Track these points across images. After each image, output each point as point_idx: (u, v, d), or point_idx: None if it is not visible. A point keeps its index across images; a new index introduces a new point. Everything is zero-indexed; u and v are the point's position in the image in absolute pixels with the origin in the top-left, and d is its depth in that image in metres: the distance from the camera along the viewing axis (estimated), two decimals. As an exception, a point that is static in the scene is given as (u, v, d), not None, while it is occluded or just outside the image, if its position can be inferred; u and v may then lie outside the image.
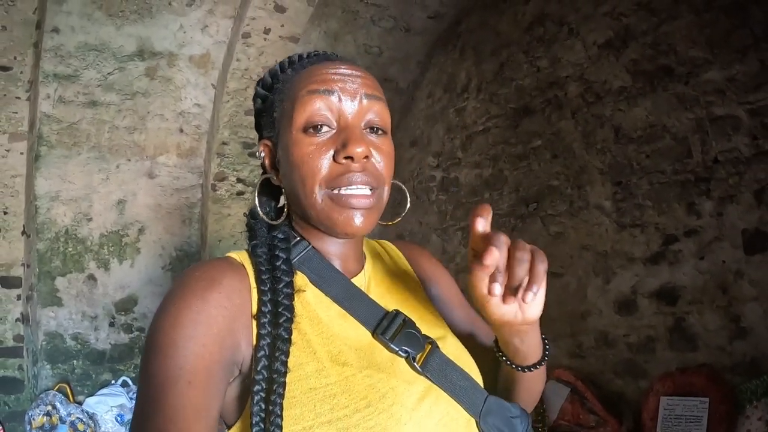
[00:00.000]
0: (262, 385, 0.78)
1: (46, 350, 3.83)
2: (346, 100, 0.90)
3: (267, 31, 3.95)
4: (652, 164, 3.38)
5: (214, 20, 4.01)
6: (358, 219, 0.88)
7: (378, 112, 0.92)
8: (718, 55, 3.07)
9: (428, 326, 0.97)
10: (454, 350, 0.96)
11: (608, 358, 3.53)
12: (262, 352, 0.80)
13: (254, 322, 0.83)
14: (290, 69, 0.99)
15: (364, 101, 0.92)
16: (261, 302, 0.84)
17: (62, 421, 3.41)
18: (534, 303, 0.81)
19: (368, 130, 0.91)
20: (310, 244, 0.96)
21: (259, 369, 0.79)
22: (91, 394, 3.80)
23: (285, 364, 0.79)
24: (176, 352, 0.76)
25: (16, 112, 3.56)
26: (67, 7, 3.53)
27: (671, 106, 3.27)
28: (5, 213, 3.64)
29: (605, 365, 3.53)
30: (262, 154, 0.99)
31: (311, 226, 0.95)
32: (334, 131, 0.90)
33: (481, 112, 4.46)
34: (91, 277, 4.05)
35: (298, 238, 0.97)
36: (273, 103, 0.97)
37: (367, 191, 0.89)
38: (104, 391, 3.80)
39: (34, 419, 3.40)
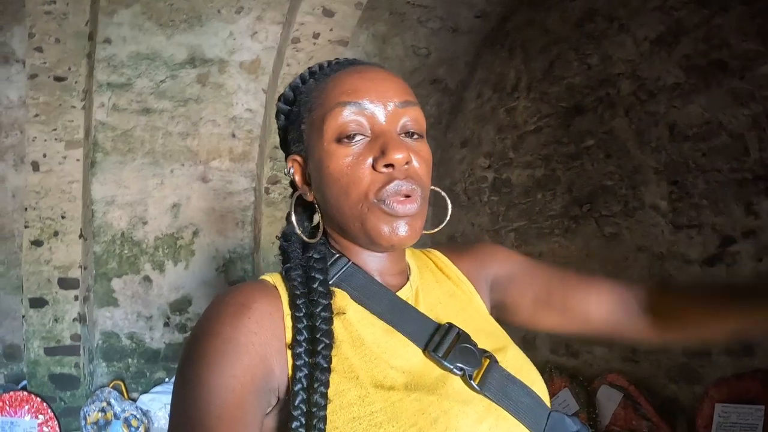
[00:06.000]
0: (300, 421, 0.73)
1: (102, 349, 3.98)
2: (377, 107, 0.87)
3: (316, 36, 3.98)
4: (708, 162, 3.25)
5: (263, 26, 4.07)
6: (403, 228, 0.85)
7: (412, 117, 0.89)
8: (773, 47, 2.93)
9: (486, 337, 0.92)
10: (515, 362, 0.91)
11: (662, 363, 3.41)
12: (300, 385, 0.75)
13: (289, 352, 0.79)
14: (312, 79, 0.95)
15: (398, 107, 0.88)
16: (296, 330, 0.79)
17: (116, 417, 3.54)
18: None
19: (404, 135, 0.88)
20: (350, 260, 0.92)
21: (296, 403, 0.74)
22: (145, 392, 3.93)
23: (325, 396, 0.74)
24: (204, 385, 0.72)
25: (72, 121, 3.68)
26: (118, 18, 3.65)
27: (726, 102, 3.14)
28: (63, 217, 3.78)
29: (659, 370, 3.42)
30: (292, 170, 0.95)
31: (350, 241, 0.92)
32: (368, 139, 0.86)
33: (532, 111, 4.38)
34: (147, 279, 4.18)
35: (337, 255, 0.93)
36: (298, 116, 0.94)
37: (411, 197, 0.85)
38: (158, 388, 3.93)
39: (89, 415, 3.54)
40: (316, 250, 0.90)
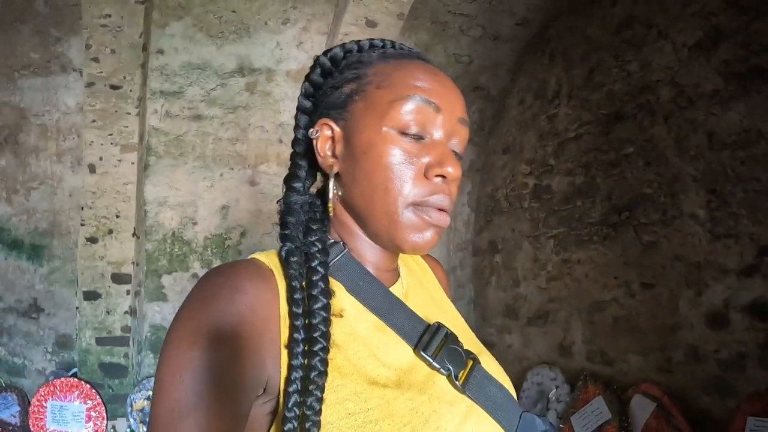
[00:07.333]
0: (293, 424, 0.71)
1: (150, 341, 4.15)
2: (445, 116, 0.85)
3: (360, 46, 4.08)
4: (747, 171, 3.19)
5: (308, 37, 4.20)
6: (429, 236, 0.84)
7: (463, 137, 0.88)
8: (811, 53, 2.87)
9: (466, 341, 0.91)
10: (492, 366, 0.92)
11: (697, 374, 3.36)
12: (294, 387, 0.72)
13: (283, 347, 0.76)
14: (373, 52, 0.90)
15: (459, 123, 0.87)
16: (293, 328, 0.75)
17: (161, 406, 3.69)
18: None
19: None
20: (345, 247, 0.89)
21: (290, 405, 0.72)
22: (190, 384, 4.07)
23: (320, 400, 0.72)
24: (190, 376, 0.70)
25: (127, 126, 3.87)
26: (170, 30, 3.84)
27: (765, 110, 3.08)
28: (117, 216, 3.96)
29: (693, 381, 3.36)
30: (318, 134, 0.88)
31: (359, 228, 0.90)
32: (425, 143, 0.84)
33: (573, 118, 4.37)
34: (195, 276, 4.32)
35: (332, 241, 0.89)
36: (346, 81, 0.88)
37: (446, 212, 0.85)
38: (201, 381, 4.07)
39: (135, 402, 3.70)
40: (318, 237, 0.84)
